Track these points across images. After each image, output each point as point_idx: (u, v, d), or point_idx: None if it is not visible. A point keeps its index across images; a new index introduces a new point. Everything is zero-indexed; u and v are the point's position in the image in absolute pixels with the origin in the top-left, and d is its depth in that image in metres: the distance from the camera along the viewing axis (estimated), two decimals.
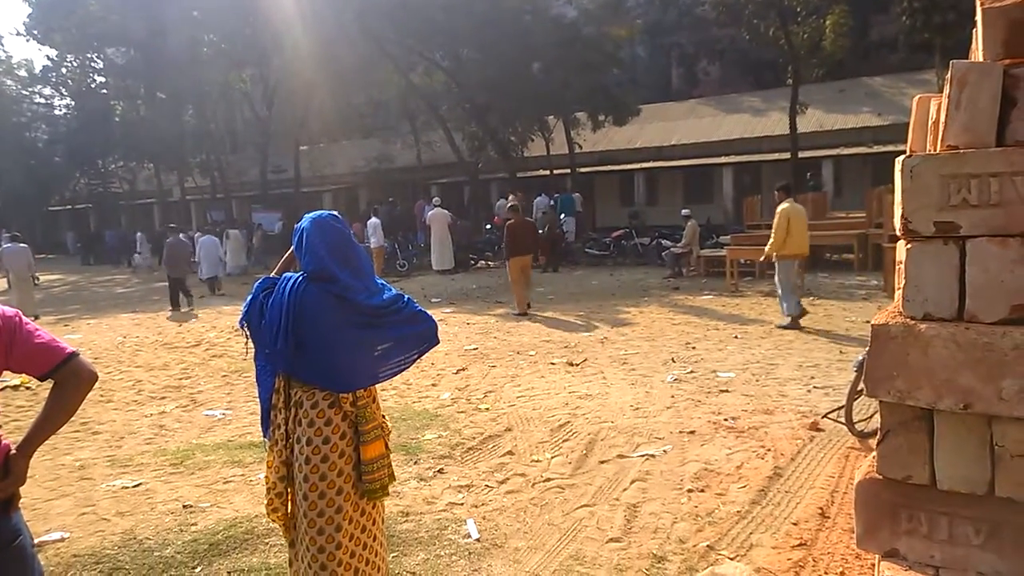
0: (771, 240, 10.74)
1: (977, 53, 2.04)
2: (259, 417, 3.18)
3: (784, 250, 10.67)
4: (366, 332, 3.00)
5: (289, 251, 3.23)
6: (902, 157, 1.85)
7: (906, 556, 1.89)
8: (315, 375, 2.99)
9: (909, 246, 1.83)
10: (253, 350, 3.13)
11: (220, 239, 22.70)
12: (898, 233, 1.93)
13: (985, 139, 1.74)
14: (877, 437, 1.94)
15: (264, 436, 3.18)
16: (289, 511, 3.08)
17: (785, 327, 10.52)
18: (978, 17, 1.93)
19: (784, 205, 10.77)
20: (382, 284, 3.14)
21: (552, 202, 23.82)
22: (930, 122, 2.13)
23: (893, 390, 1.82)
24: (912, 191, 1.79)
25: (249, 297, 3.10)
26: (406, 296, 3.16)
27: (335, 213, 3.18)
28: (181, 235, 19.28)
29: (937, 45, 22.17)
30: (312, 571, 2.98)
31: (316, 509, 2.95)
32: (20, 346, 2.23)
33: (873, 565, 3.78)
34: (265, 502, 3.12)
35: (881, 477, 1.92)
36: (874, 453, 2.03)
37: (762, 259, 11.87)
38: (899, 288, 2.09)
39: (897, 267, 2.14)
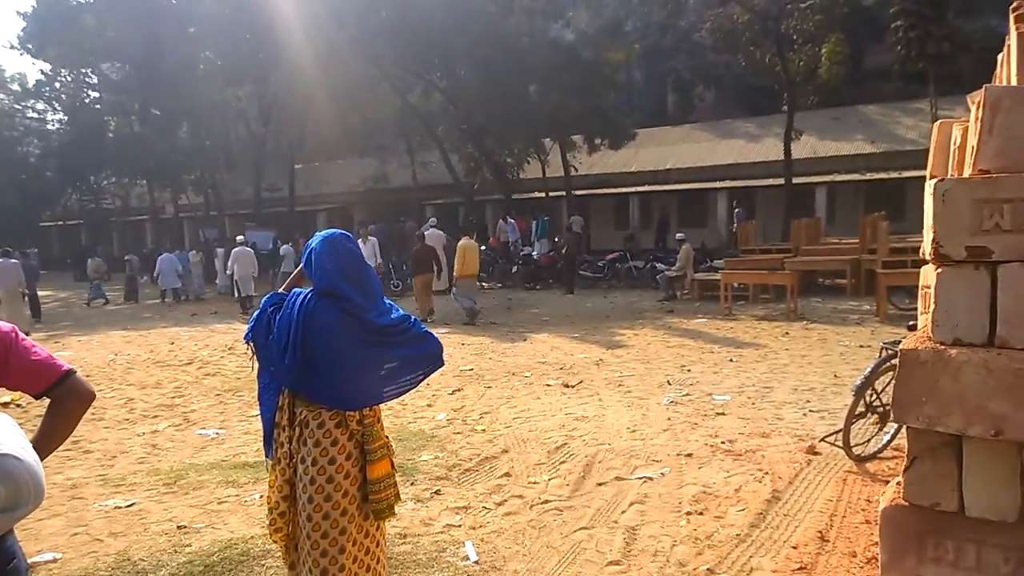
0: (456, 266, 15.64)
1: (1008, 78, 2.05)
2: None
3: (462, 271, 15.41)
4: (374, 351, 2.99)
5: (298, 268, 3.22)
6: (933, 181, 1.84)
7: None
8: (322, 393, 2.96)
9: (939, 271, 1.81)
10: (258, 367, 3.11)
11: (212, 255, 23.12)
12: (927, 257, 1.91)
13: (1019, 164, 1.73)
14: (904, 464, 1.91)
15: (267, 456, 3.14)
16: (290, 532, 3.04)
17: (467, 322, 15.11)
18: (1011, 41, 1.94)
19: (463, 241, 15.83)
20: (389, 304, 3.13)
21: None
22: (953, 147, 2.13)
23: (922, 416, 1.80)
24: (944, 215, 1.78)
25: (256, 312, 3.08)
26: (412, 317, 3.14)
27: (346, 232, 3.18)
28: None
29: (931, 75, 22.44)
30: None
31: (320, 530, 2.92)
32: (16, 363, 2.16)
33: None
34: (267, 522, 3.08)
35: (907, 504, 1.90)
36: (898, 480, 2.01)
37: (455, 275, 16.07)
38: (925, 312, 2.07)
39: (922, 291, 2.12)
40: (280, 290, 3.17)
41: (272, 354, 2.97)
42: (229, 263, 20.60)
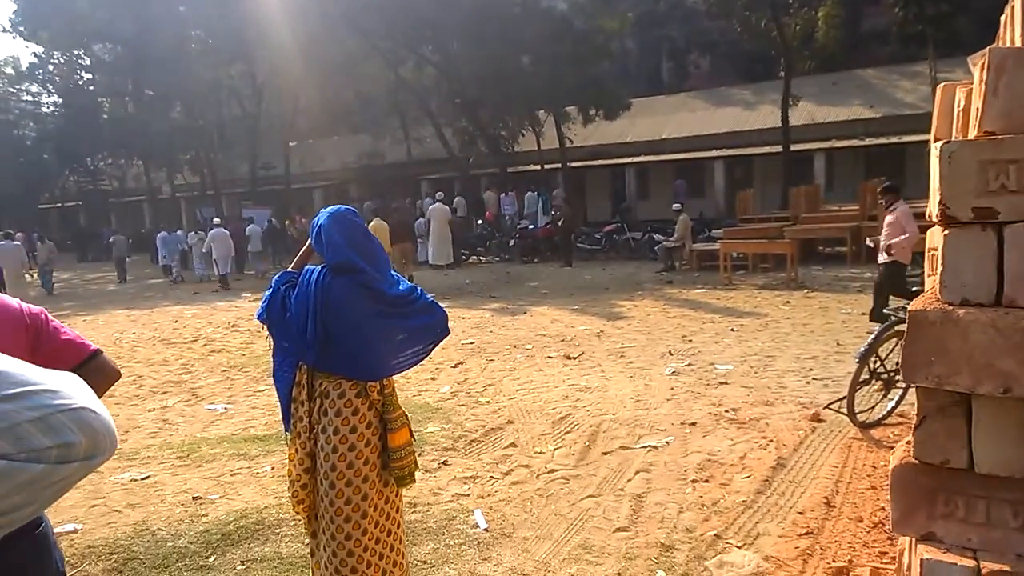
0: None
1: (1012, 39, 2.06)
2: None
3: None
4: (388, 321, 3.05)
5: (306, 245, 3.24)
6: (938, 144, 1.86)
7: (943, 539, 1.90)
8: (342, 365, 3.01)
9: (947, 232, 1.84)
10: (272, 345, 3.14)
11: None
12: (934, 220, 1.94)
13: (1023, 125, 1.76)
14: (913, 423, 1.95)
15: (285, 430, 3.19)
16: (312, 502, 3.11)
17: None
18: (1016, 3, 1.95)
19: (373, 222, 15.43)
20: (396, 276, 3.18)
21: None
22: (957, 109, 2.15)
23: (931, 376, 1.83)
24: (950, 177, 1.80)
25: (268, 292, 3.12)
26: (419, 288, 3.20)
27: (351, 207, 3.21)
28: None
29: (929, 37, 22.26)
30: (338, 558, 3.00)
31: (343, 497, 2.98)
32: (47, 344, 2.20)
33: (881, 553, 3.82)
34: (289, 494, 3.14)
35: (918, 462, 1.94)
36: (907, 439, 2.05)
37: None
38: (932, 274, 2.10)
39: (930, 253, 2.15)
40: (290, 268, 3.21)
41: (291, 331, 3.01)
42: (206, 244, 21.49)
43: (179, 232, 25.51)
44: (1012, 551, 1.80)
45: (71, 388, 1.09)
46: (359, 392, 3.03)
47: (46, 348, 2.18)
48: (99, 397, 2.30)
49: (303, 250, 3.29)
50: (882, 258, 9.40)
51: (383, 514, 3.11)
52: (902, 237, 9.09)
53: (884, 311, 6.81)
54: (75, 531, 4.68)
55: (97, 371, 2.25)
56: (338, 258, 3.01)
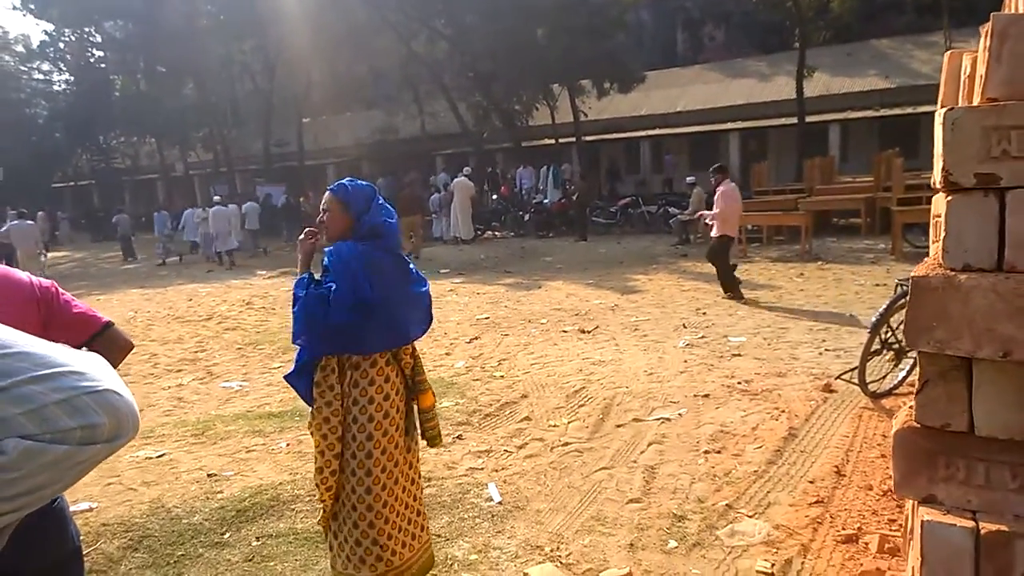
0: None
1: (1015, 5, 2.05)
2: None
3: None
4: (413, 287, 3.24)
5: (308, 246, 3.22)
6: (942, 111, 1.87)
7: (943, 502, 1.93)
8: (385, 337, 3.11)
9: (950, 198, 1.85)
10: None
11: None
12: (938, 186, 1.95)
13: None
14: (915, 387, 1.97)
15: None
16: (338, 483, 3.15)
17: None
18: None
19: None
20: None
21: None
22: (963, 76, 2.15)
23: (933, 340, 1.85)
24: (953, 143, 1.81)
25: (297, 306, 3.06)
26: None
27: (351, 179, 3.28)
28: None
29: (944, 6, 21.97)
30: (359, 529, 3.06)
31: (380, 465, 3.06)
32: (58, 317, 2.23)
33: (890, 520, 3.84)
34: (323, 488, 3.11)
35: (919, 426, 1.96)
36: (910, 404, 2.07)
37: None
38: (936, 241, 2.11)
39: (934, 220, 2.16)
40: (299, 272, 3.19)
41: (339, 310, 2.97)
42: (209, 220, 21.51)
43: (165, 212, 24.79)
44: (1010, 512, 1.82)
45: (97, 370, 1.12)
46: (389, 360, 3.12)
47: (58, 321, 2.21)
48: (114, 367, 2.35)
49: (304, 254, 3.22)
50: (714, 232, 10.62)
51: (410, 480, 3.21)
52: (712, 212, 10.50)
53: (896, 280, 6.78)
54: (90, 509, 4.72)
55: (110, 342, 2.28)
56: (375, 221, 3.11)
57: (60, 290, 2.32)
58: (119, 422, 1.09)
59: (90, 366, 1.11)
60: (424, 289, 3.31)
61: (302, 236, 3.23)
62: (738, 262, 10.98)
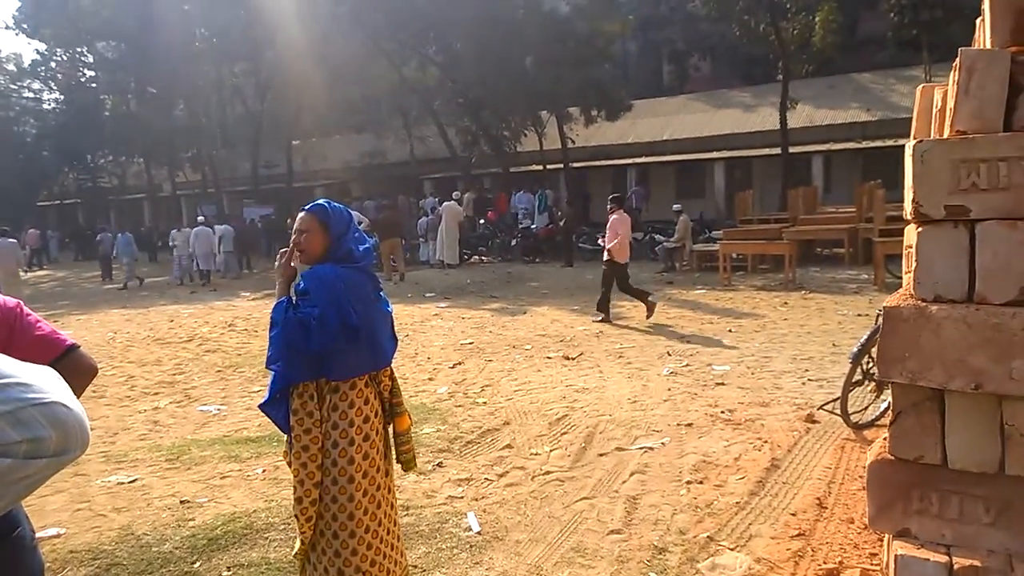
0: None
1: (983, 41, 2.07)
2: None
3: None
4: (383, 306, 3.23)
5: (290, 269, 3.17)
6: (912, 143, 1.87)
7: (918, 535, 1.91)
8: (367, 360, 3.08)
9: (920, 230, 1.85)
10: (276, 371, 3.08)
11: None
12: (908, 217, 1.95)
13: (994, 124, 1.77)
14: (889, 418, 1.96)
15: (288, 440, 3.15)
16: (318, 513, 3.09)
17: None
18: (985, 6, 1.96)
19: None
20: None
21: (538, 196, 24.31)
22: (935, 110, 2.17)
23: (905, 371, 1.85)
24: (923, 175, 1.82)
25: (276, 330, 3.00)
26: None
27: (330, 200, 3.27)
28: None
29: (924, 42, 22.32)
30: (342, 558, 2.99)
31: (361, 489, 3.00)
32: (21, 337, 2.16)
33: (872, 554, 3.81)
34: (303, 519, 3.02)
35: (893, 458, 1.95)
36: (884, 436, 2.06)
37: None
38: (908, 272, 2.11)
39: (906, 251, 2.16)
40: (278, 297, 3.12)
41: (324, 337, 2.91)
42: (191, 241, 21.71)
43: (129, 234, 23.70)
44: (984, 546, 1.81)
45: (44, 382, 1.08)
46: (367, 382, 3.09)
47: (20, 343, 2.14)
48: (77, 394, 2.28)
49: (282, 280, 3.16)
50: (605, 256, 11.33)
51: (390, 504, 3.16)
52: (608, 240, 11.21)
53: (878, 311, 6.81)
54: (58, 536, 4.63)
55: (73, 366, 2.20)
56: (348, 245, 3.10)
57: (26, 310, 2.25)
58: (67, 436, 1.05)
59: (37, 378, 1.08)
60: (389, 309, 3.31)
61: (280, 259, 3.18)
62: (653, 293, 11.82)
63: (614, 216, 11.24)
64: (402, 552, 3.24)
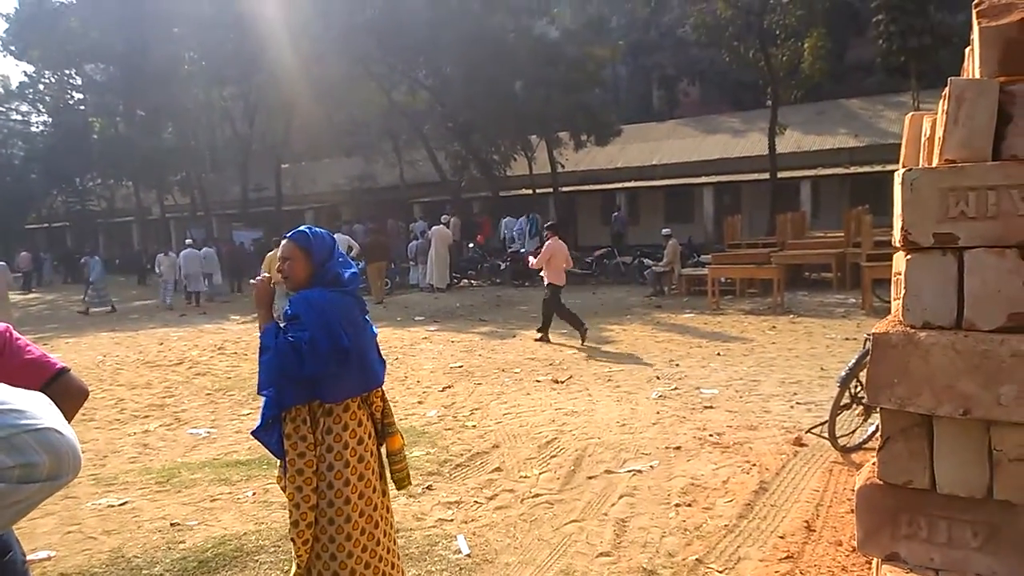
0: None
1: (972, 71, 2.12)
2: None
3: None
4: (370, 328, 3.27)
5: (266, 295, 3.19)
6: (901, 171, 1.91)
7: (906, 560, 1.93)
8: (359, 382, 3.10)
9: (909, 257, 1.88)
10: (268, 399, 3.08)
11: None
12: (897, 244, 1.98)
13: (982, 153, 1.81)
14: (878, 443, 1.98)
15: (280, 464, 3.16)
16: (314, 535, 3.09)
17: None
18: (974, 36, 2.01)
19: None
20: None
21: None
22: (923, 138, 2.21)
23: (894, 397, 1.87)
24: (912, 203, 1.85)
25: (267, 355, 3.00)
26: None
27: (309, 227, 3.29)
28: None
29: (912, 68, 22.62)
30: (347, 568, 3.00)
31: (358, 510, 3.01)
32: (11, 361, 2.15)
33: None
34: (299, 541, 3.02)
35: (882, 482, 1.97)
36: (873, 460, 2.08)
37: None
38: (897, 298, 2.14)
39: (895, 278, 2.19)
40: (261, 324, 3.14)
41: (316, 360, 2.93)
42: (179, 263, 21.91)
43: (98, 258, 23.16)
44: (972, 571, 1.83)
45: (38, 408, 1.09)
46: (360, 404, 3.11)
47: (9, 366, 2.12)
48: (68, 417, 2.28)
49: (264, 305, 3.20)
50: (545, 280, 12.12)
51: (388, 524, 3.17)
52: (536, 264, 12.08)
53: (866, 335, 6.85)
54: (48, 558, 4.60)
55: (64, 390, 2.18)
56: (336, 270, 3.13)
57: (15, 334, 2.24)
58: (59, 461, 1.06)
59: (31, 404, 1.09)
60: (375, 331, 3.35)
61: (254, 288, 3.20)
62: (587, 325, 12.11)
63: (550, 241, 12.10)
64: (402, 571, 3.25)
